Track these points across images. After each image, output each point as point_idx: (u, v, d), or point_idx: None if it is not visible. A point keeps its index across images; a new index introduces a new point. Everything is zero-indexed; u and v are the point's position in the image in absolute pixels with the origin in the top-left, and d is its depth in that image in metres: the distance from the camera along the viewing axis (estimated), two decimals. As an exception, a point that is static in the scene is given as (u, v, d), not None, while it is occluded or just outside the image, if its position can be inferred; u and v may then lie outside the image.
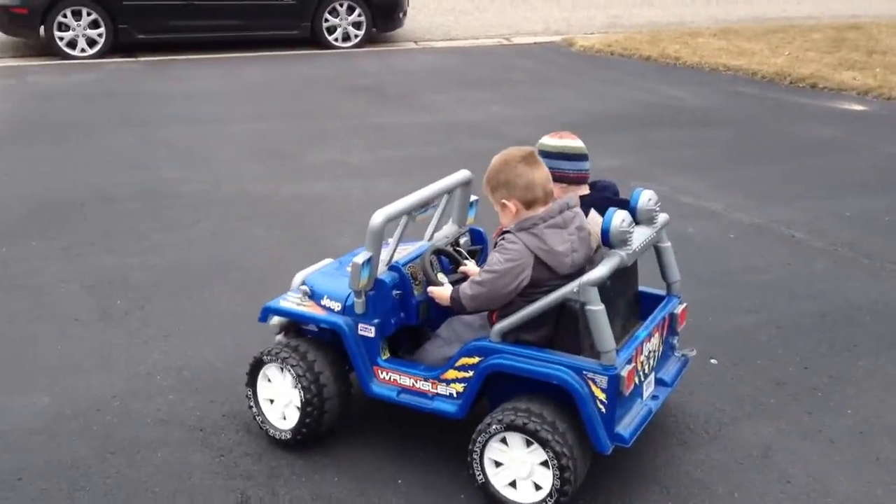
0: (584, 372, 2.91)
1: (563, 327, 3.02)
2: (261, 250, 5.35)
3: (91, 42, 11.67)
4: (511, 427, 2.94)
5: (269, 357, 3.33)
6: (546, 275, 3.02)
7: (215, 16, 12.11)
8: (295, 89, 9.95)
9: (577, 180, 3.39)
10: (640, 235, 3.10)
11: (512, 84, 10.41)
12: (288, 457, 3.31)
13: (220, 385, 3.79)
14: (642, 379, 3.13)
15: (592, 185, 3.46)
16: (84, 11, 11.50)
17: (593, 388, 2.90)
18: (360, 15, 12.59)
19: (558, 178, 3.29)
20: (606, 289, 2.96)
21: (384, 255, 3.32)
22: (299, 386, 3.26)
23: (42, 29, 11.46)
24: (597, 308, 2.87)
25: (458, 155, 7.52)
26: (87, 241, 5.43)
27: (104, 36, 11.67)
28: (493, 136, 8.06)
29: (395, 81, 10.43)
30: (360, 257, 3.15)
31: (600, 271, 2.90)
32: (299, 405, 3.28)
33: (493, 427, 2.97)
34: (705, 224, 5.91)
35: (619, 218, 2.95)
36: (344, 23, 12.56)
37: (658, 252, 3.39)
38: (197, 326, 4.37)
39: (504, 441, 2.99)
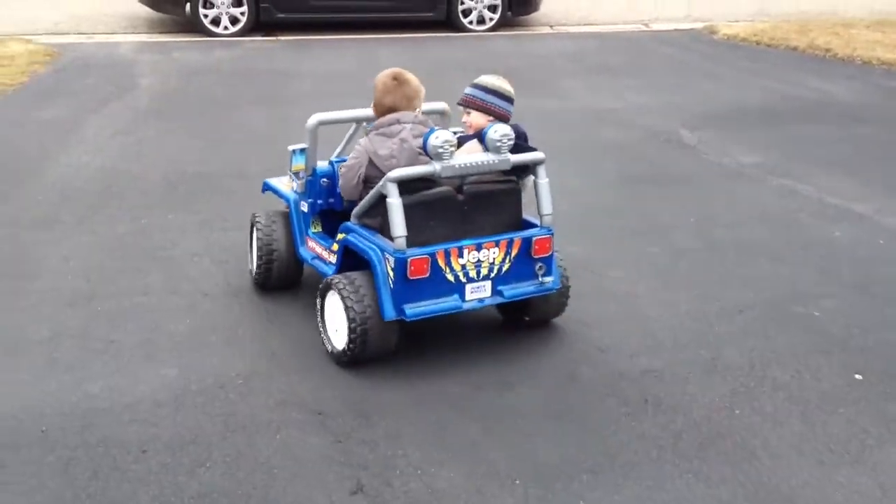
0: (384, 252, 3.66)
1: (385, 216, 3.66)
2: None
3: (234, 20, 11.95)
4: (330, 286, 3.81)
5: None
6: (375, 172, 3.80)
7: (355, -2, 12.22)
8: (428, 72, 9.80)
9: (500, 117, 3.96)
10: (475, 158, 3.71)
11: (650, 72, 10.11)
12: (405, 447, 3.27)
13: (342, 371, 3.78)
14: (462, 280, 3.74)
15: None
16: (228, -10, 11.78)
17: (388, 266, 3.65)
18: (496, -2, 12.47)
19: (486, 110, 3.96)
20: (439, 196, 3.70)
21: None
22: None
23: (188, 6, 11.80)
24: (392, 201, 3.58)
25: (589, 144, 7.34)
26: (220, 216, 5.53)
27: (246, 14, 11.94)
28: (628, 126, 7.84)
29: (529, 66, 10.28)
30: (294, 146, 4.30)
31: (402, 172, 3.62)
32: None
33: (322, 285, 3.90)
34: (852, 228, 5.57)
35: (436, 136, 3.59)
36: (479, 6, 12.47)
37: (535, 187, 3.92)
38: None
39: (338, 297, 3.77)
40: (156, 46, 11.28)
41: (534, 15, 13.23)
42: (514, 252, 3.83)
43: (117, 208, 5.65)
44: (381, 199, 3.68)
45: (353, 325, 3.68)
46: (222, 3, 11.83)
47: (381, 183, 3.64)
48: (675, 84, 9.46)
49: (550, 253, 3.92)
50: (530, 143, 4.01)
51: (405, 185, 3.65)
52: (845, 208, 5.89)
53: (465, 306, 3.79)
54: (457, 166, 3.65)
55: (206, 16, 11.86)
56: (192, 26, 11.94)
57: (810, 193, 6.19)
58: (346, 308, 3.71)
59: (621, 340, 4.16)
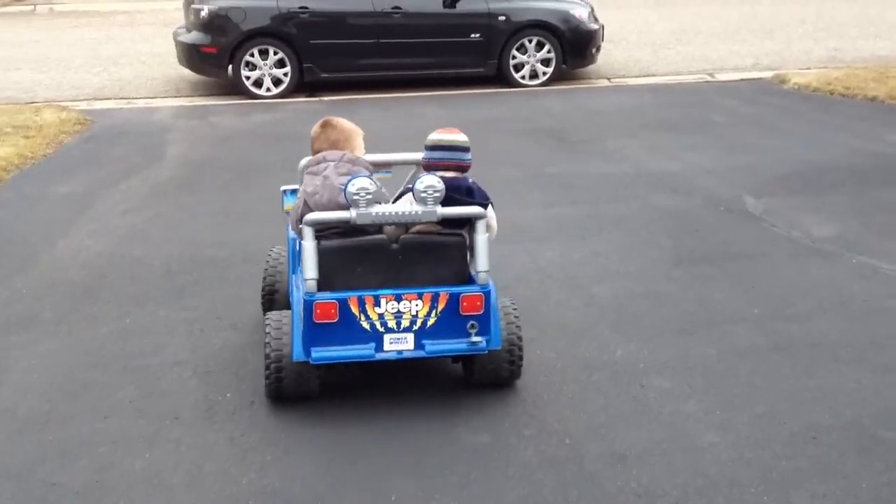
0: (304, 294, 3.72)
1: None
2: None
3: (276, 81, 11.54)
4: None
5: None
6: (306, 209, 3.88)
7: (402, 54, 11.70)
8: (471, 132, 9.25)
9: (453, 168, 4.04)
10: (395, 209, 3.78)
11: (712, 128, 9.32)
12: None
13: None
14: (379, 329, 3.75)
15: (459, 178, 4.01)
16: (271, 50, 11.38)
17: (301, 308, 3.73)
18: (549, 51, 11.84)
19: (433, 167, 4.02)
20: (370, 244, 3.79)
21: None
22: None
23: (230, 68, 11.45)
24: (305, 244, 3.70)
25: (643, 213, 6.60)
26: (215, 314, 4.94)
27: (289, 75, 11.51)
28: (685, 191, 7.08)
29: (581, 124, 9.59)
30: (286, 186, 4.54)
31: (318, 216, 3.73)
32: None
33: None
34: (950, 320, 4.72)
35: (354, 185, 3.66)
36: (532, 60, 11.86)
37: (472, 242, 3.86)
38: (306, 439, 3.72)
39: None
40: (195, 111, 10.92)
41: (591, 67, 12.57)
42: (440, 306, 3.78)
43: (105, 303, 5.10)
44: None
45: (267, 361, 3.83)
46: (265, 65, 11.45)
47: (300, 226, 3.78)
48: (740, 142, 8.65)
49: (483, 311, 3.80)
50: (479, 199, 3.95)
51: (336, 230, 3.78)
52: (939, 294, 5.04)
53: (381, 356, 3.80)
54: (373, 214, 3.71)
55: (248, 77, 11.47)
56: (235, 88, 11.57)
57: (897, 275, 5.35)
58: (265, 345, 3.86)
59: (665, 480, 3.41)
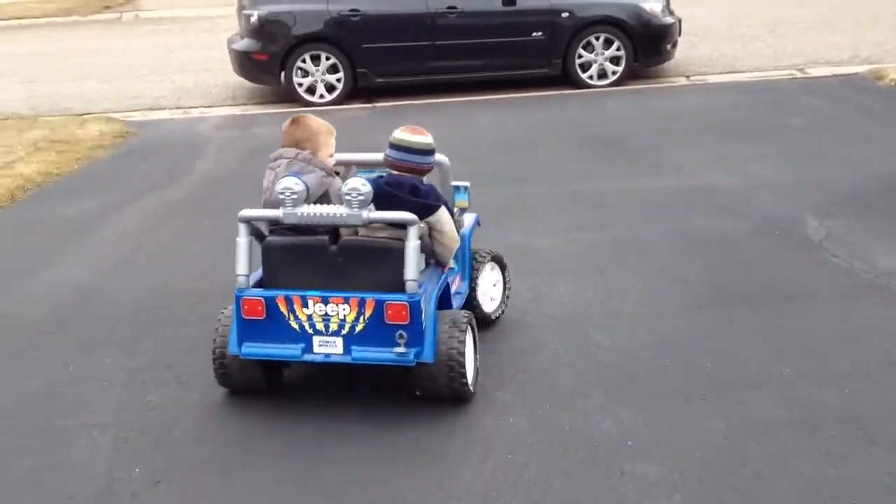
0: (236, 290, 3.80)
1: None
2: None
3: (330, 87, 11.08)
4: None
5: None
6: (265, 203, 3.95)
7: (459, 56, 11.06)
8: (517, 141, 8.61)
9: (407, 169, 3.96)
10: (321, 210, 3.71)
11: (787, 133, 8.32)
12: None
13: None
14: (308, 330, 3.70)
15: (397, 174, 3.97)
16: (323, 56, 10.93)
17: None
18: (618, 49, 10.97)
19: (391, 165, 3.99)
20: (309, 244, 3.78)
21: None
22: None
23: (283, 75, 11.05)
24: (238, 240, 3.81)
25: (680, 239, 5.80)
26: (165, 362, 4.44)
27: (342, 81, 11.04)
28: (739, 212, 6.22)
29: (642, 130, 8.74)
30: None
31: (250, 213, 3.85)
32: None
33: None
34: None
35: (280, 184, 3.68)
36: (600, 58, 11.02)
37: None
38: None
39: None
40: (241, 121, 10.55)
41: (668, 64, 11.63)
42: (367, 313, 3.68)
43: (53, 348, 4.68)
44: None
45: (213, 354, 3.91)
46: (317, 71, 10.99)
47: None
48: (815, 151, 7.65)
49: (410, 322, 3.64)
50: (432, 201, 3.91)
51: (287, 227, 3.79)
52: None
53: (308, 358, 3.76)
54: (299, 214, 3.70)
55: (300, 84, 11.05)
56: (289, 96, 11.18)
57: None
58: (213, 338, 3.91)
59: None
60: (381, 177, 4.04)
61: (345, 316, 3.67)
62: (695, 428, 3.69)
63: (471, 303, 4.46)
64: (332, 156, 4.16)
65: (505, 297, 4.76)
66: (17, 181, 7.67)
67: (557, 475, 3.42)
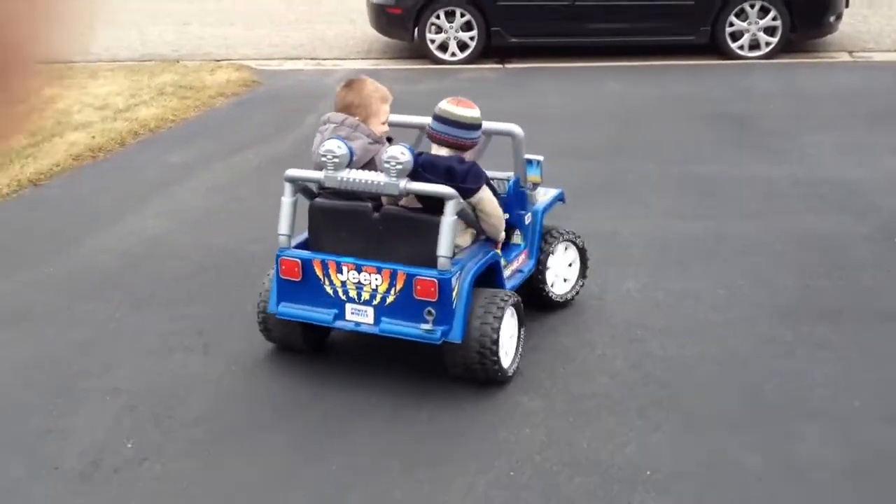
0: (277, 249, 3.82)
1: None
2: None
3: (462, 45, 10.79)
4: None
5: None
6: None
7: (599, 19, 10.51)
8: (638, 112, 8.07)
9: (448, 144, 3.74)
10: (361, 176, 3.61)
11: (946, 124, 7.42)
12: None
13: None
14: (341, 297, 3.66)
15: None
16: (457, 12, 10.64)
17: None
18: (774, 18, 10.12)
19: (431, 137, 3.81)
20: (352, 209, 3.70)
21: None
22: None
23: (416, 31, 10.84)
24: (283, 199, 3.81)
25: (782, 237, 5.26)
26: (198, 330, 4.36)
27: (476, 39, 10.72)
28: (859, 210, 5.58)
29: (779, 110, 8.02)
30: None
31: (295, 173, 3.85)
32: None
33: None
34: None
35: (324, 146, 3.61)
36: (753, 27, 10.20)
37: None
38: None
39: None
40: (374, 74, 10.40)
41: (830, 38, 10.66)
42: (398, 285, 3.58)
43: (105, 301, 4.70)
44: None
45: (257, 308, 3.93)
46: (450, 28, 10.72)
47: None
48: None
49: (439, 299, 3.50)
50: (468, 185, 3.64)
51: (334, 191, 3.71)
52: None
53: (339, 325, 3.71)
54: (339, 178, 3.61)
55: (432, 41, 10.81)
56: (420, 52, 10.97)
57: None
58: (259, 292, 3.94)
59: None
60: (421, 154, 3.79)
61: (377, 286, 3.58)
62: (728, 463, 3.27)
63: (537, 283, 4.21)
64: (384, 123, 4.00)
65: (579, 282, 4.45)
66: (132, 126, 7.82)
67: (557, 502, 3.10)
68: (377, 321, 3.63)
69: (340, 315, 3.67)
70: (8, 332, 4.41)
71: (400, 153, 3.50)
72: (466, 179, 3.63)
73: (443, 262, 3.51)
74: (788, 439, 3.38)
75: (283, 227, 3.74)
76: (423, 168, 3.62)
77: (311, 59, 11.49)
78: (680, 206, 5.77)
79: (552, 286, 4.30)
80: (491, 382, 3.67)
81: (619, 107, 8.39)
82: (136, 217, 5.90)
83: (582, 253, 4.47)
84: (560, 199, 4.47)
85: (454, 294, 3.51)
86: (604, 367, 3.92)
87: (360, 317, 3.65)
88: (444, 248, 3.49)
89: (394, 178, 3.52)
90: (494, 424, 3.53)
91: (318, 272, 3.65)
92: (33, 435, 3.56)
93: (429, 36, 10.80)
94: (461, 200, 3.56)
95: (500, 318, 3.59)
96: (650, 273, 4.81)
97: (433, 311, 3.50)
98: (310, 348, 3.96)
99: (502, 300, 3.64)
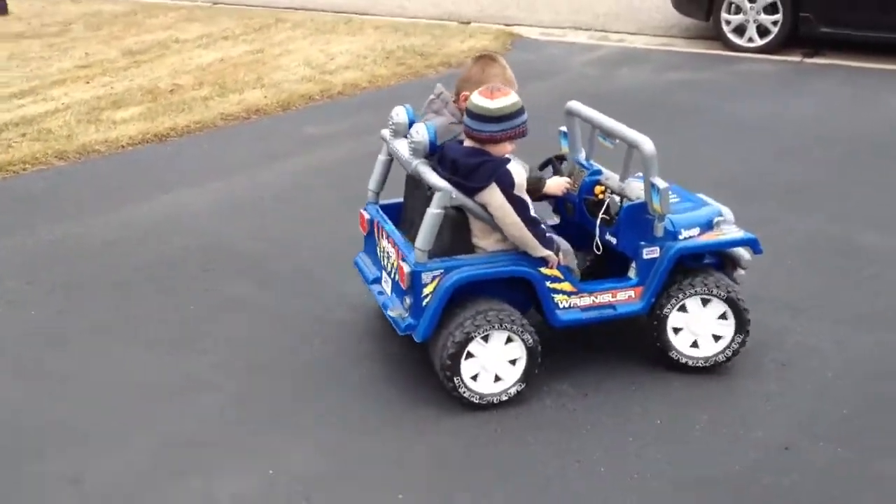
0: None
1: None
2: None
3: (763, 31, 8.95)
4: None
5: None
6: None
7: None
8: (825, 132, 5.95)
9: (479, 140, 3.41)
10: (401, 146, 3.57)
11: None
12: None
13: None
14: (383, 263, 3.68)
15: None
16: (763, -10, 8.82)
17: None
18: None
19: (468, 135, 3.45)
20: (408, 182, 3.68)
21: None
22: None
23: (711, 8, 9.19)
24: (379, 155, 3.84)
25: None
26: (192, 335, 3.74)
27: (779, 24, 8.83)
28: None
29: None
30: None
31: (384, 133, 3.78)
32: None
33: None
34: None
35: (413, 127, 3.45)
36: None
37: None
38: None
39: None
40: (627, 57, 8.98)
41: None
42: (398, 265, 3.52)
43: (157, 279, 4.45)
44: None
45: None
46: (751, 9, 8.90)
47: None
48: None
49: (408, 290, 3.37)
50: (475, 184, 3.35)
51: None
52: None
53: (372, 288, 3.73)
54: (390, 146, 3.68)
55: (728, 22, 9.08)
56: (713, 33, 9.31)
57: None
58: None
59: None
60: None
61: (392, 260, 3.56)
62: None
63: (653, 340, 3.64)
64: None
65: (730, 349, 3.65)
66: (315, 88, 7.37)
67: None
68: (391, 294, 3.60)
69: (378, 280, 3.72)
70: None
71: (416, 132, 3.39)
72: (470, 176, 3.30)
73: (417, 255, 3.33)
74: None
75: (372, 182, 3.82)
76: (439, 158, 3.42)
77: (598, 31, 10.28)
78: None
79: (674, 343, 3.62)
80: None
81: (801, 122, 6.43)
82: (212, 189, 5.47)
83: (740, 316, 3.60)
84: (745, 244, 3.63)
85: (426, 290, 3.30)
86: None
87: (384, 285, 3.67)
88: (420, 241, 3.31)
89: (410, 156, 3.45)
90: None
91: (376, 233, 3.72)
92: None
93: (724, 16, 9.11)
94: (453, 196, 3.28)
95: (465, 340, 3.31)
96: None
97: (408, 300, 3.39)
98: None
99: (496, 321, 3.33)
